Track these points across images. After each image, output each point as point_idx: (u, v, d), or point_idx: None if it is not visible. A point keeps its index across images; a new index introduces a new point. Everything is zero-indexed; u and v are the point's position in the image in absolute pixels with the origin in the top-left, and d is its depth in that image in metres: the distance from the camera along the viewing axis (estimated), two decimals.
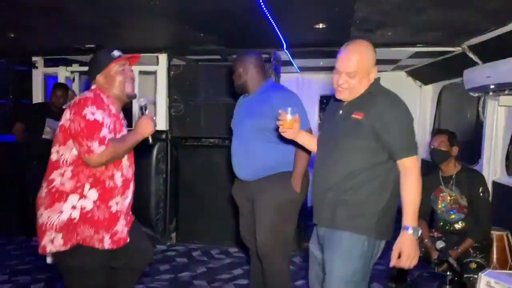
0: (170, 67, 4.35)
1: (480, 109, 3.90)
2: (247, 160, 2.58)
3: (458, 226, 2.91)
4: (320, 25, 3.11)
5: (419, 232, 1.73)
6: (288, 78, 5.56)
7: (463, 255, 2.76)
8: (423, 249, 2.85)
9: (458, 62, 3.84)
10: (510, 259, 2.96)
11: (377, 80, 1.90)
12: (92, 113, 1.87)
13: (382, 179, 1.80)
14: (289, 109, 2.00)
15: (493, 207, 3.04)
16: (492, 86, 3.23)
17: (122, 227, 2.04)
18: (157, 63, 4.32)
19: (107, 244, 1.96)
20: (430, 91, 5.37)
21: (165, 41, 3.90)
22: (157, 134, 4.34)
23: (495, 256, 2.97)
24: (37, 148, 4.11)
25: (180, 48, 4.20)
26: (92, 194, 1.93)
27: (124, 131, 2.11)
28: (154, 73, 4.42)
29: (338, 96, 1.88)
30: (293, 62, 4.89)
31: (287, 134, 2.04)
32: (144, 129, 2.04)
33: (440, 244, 2.56)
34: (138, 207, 4.27)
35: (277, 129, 2.24)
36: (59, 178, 1.92)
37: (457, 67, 3.87)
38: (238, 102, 2.86)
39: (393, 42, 3.61)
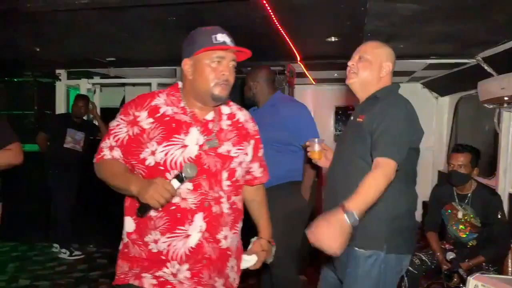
0: None
1: (496, 120, 3.86)
2: None
3: (470, 243, 2.87)
4: (333, 38, 3.17)
5: (354, 221, 1.45)
6: (303, 90, 5.63)
7: (474, 267, 2.71)
8: (434, 261, 2.83)
9: (474, 73, 3.83)
10: None
11: (390, 86, 1.84)
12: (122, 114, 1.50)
13: (389, 191, 1.60)
14: (316, 139, 2.00)
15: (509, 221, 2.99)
16: (506, 98, 3.21)
17: (173, 274, 1.45)
18: (175, 76, 4.45)
19: (148, 284, 1.45)
20: (446, 103, 5.33)
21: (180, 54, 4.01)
22: None
23: (510, 269, 2.93)
24: (58, 157, 4.27)
25: None
26: (128, 224, 1.56)
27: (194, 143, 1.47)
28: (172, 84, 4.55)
29: (347, 81, 1.87)
30: (307, 74, 4.96)
31: (321, 164, 2.02)
32: (146, 193, 1.31)
33: (450, 255, 2.54)
34: None
35: (289, 142, 2.31)
36: None
37: (473, 78, 3.85)
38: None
39: (405, 54, 3.63)
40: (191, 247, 1.43)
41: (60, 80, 4.81)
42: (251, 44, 3.39)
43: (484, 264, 2.74)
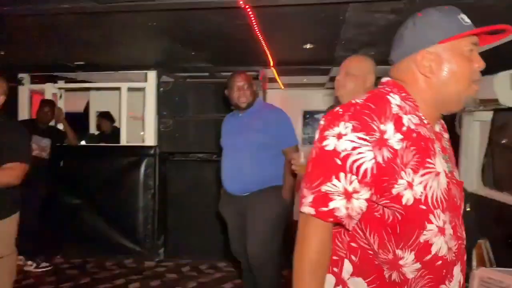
0: (159, 84, 4.43)
1: (456, 123, 4.12)
2: (240, 174, 2.67)
3: None
4: (308, 45, 3.27)
5: None
6: (273, 94, 5.72)
7: None
8: None
9: None
10: (488, 266, 3.13)
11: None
12: (336, 137, 1.01)
13: None
14: (302, 153, 2.09)
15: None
16: None
17: None
18: (146, 80, 4.39)
19: None
20: None
21: (156, 58, 3.98)
22: (145, 149, 4.41)
23: (474, 263, 3.14)
24: None
25: (170, 65, 4.29)
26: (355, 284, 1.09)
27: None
28: (142, 89, 4.49)
29: (336, 93, 2.04)
30: (278, 79, 5.05)
31: None
32: None
33: None
34: (126, 223, 4.34)
35: (271, 146, 2.35)
36: None
37: None
38: (227, 120, 2.96)
39: (375, 61, 3.79)
40: None
41: (23, 84, 4.60)
42: (230, 48, 3.46)
43: None
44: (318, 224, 1.02)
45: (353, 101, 1.05)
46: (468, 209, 2.93)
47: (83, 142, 4.98)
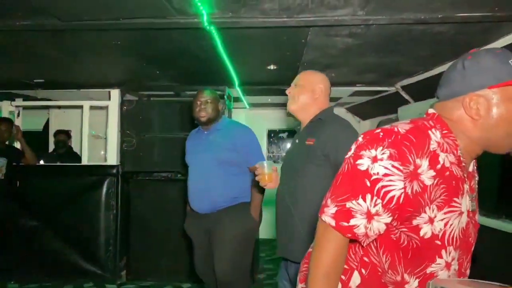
0: (122, 102, 4.38)
1: None
2: (207, 193, 2.66)
3: None
4: (272, 66, 3.36)
5: None
6: (238, 113, 5.79)
7: None
8: None
9: (393, 100, 4.27)
10: None
11: (329, 109, 2.04)
12: (371, 159, 1.04)
13: None
14: (265, 162, 2.07)
15: None
16: None
17: None
18: (109, 98, 4.33)
19: None
20: (367, 126, 5.83)
21: (120, 76, 3.94)
22: (107, 169, 4.32)
23: None
24: None
25: (134, 84, 4.26)
26: None
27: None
28: (105, 108, 4.42)
29: (288, 107, 2.08)
30: (243, 99, 5.12)
31: (269, 187, 2.10)
32: None
33: None
34: (86, 245, 4.20)
35: (237, 164, 2.37)
36: None
37: (392, 104, 4.30)
38: (191, 137, 2.96)
39: (336, 82, 3.94)
40: None
41: None
42: (195, 68, 3.50)
43: None
44: (337, 235, 1.07)
45: (396, 129, 1.07)
46: None
47: (42, 162, 4.81)
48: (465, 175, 1.11)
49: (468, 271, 1.20)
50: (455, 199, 1.06)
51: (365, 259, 1.15)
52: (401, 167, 1.01)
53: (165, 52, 2.98)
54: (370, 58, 3.00)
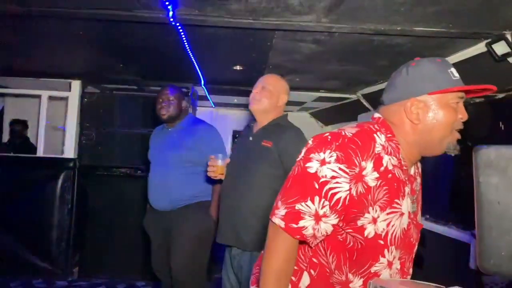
0: (83, 94, 4.26)
1: None
2: (167, 190, 2.64)
3: None
4: (238, 67, 3.38)
5: None
6: (203, 112, 5.76)
7: None
8: None
9: (354, 107, 4.39)
10: None
11: (285, 115, 2.20)
12: (320, 162, 1.08)
13: None
14: (220, 155, 2.16)
15: None
16: None
17: None
18: (70, 89, 4.20)
19: None
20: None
21: (81, 68, 3.83)
22: (64, 162, 4.18)
23: None
24: None
25: (96, 76, 4.15)
26: None
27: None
28: (65, 99, 4.28)
29: (250, 106, 2.16)
30: (209, 98, 5.10)
31: (218, 178, 2.19)
32: None
33: None
34: (38, 240, 4.04)
35: (199, 162, 2.38)
36: None
37: (353, 111, 4.43)
38: (156, 133, 2.94)
39: (300, 87, 4.02)
40: None
41: None
42: (161, 64, 3.46)
43: None
44: (287, 237, 1.10)
45: (343, 133, 1.12)
46: None
47: None
48: (407, 178, 1.17)
49: (410, 270, 1.26)
50: (396, 200, 1.12)
51: (314, 260, 1.18)
52: (347, 170, 1.06)
53: (130, 46, 2.93)
54: (333, 66, 3.08)
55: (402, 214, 1.14)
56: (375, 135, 1.14)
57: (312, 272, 1.18)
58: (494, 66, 2.16)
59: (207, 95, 4.85)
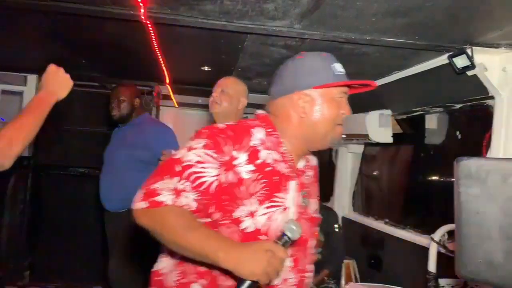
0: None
1: (333, 153, 4.55)
2: (117, 190, 2.58)
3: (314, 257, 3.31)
4: (206, 68, 3.34)
5: None
6: (166, 112, 5.64)
7: (320, 283, 3.13)
8: None
9: None
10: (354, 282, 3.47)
11: (246, 119, 2.22)
12: (187, 149, 1.12)
13: None
14: (173, 151, 2.11)
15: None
16: (343, 136, 3.85)
17: None
18: (25, 84, 3.99)
19: None
20: None
21: (39, 62, 3.64)
22: (16, 160, 3.94)
23: (343, 282, 3.45)
24: None
25: None
26: None
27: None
28: (20, 93, 4.06)
29: (211, 110, 2.21)
30: (172, 97, 5.01)
31: None
32: (255, 266, 0.98)
33: None
34: None
35: (152, 162, 2.34)
36: None
37: None
38: (114, 131, 2.87)
39: (267, 89, 4.03)
40: None
41: None
42: (125, 61, 3.35)
43: (326, 278, 3.18)
44: (157, 210, 1.05)
45: (218, 126, 1.14)
46: (336, 230, 3.25)
47: None
48: (293, 172, 1.18)
49: (309, 267, 1.25)
50: (276, 194, 1.12)
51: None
52: (215, 155, 1.08)
53: (93, 41, 2.82)
54: None
55: (285, 208, 1.13)
56: (252, 129, 1.16)
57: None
58: (455, 78, 2.27)
59: (171, 94, 4.76)
